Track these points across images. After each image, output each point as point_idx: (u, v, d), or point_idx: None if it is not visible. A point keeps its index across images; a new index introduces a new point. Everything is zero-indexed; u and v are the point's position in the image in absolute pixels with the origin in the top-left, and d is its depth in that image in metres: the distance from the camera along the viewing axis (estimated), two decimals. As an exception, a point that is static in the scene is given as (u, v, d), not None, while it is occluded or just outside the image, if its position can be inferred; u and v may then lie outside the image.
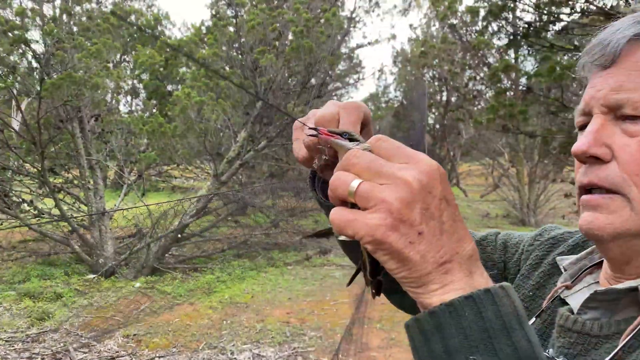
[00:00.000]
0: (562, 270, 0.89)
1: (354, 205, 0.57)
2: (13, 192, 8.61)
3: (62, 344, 5.66)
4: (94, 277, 8.14)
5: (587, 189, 0.76)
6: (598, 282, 0.84)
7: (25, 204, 8.60)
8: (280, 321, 6.42)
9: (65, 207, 8.84)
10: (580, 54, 0.82)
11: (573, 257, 0.90)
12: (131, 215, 9.85)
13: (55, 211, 8.56)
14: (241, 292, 7.58)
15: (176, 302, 7.10)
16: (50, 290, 7.32)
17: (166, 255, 9.17)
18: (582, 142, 0.73)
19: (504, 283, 0.56)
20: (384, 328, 6.09)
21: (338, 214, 0.57)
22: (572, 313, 0.80)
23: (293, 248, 10.20)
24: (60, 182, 9.34)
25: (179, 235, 9.12)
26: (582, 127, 0.80)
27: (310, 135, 0.72)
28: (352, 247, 1.07)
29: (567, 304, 0.83)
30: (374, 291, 0.69)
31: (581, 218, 0.76)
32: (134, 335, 5.94)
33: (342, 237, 0.75)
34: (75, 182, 9.54)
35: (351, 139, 0.68)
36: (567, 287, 0.85)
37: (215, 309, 6.87)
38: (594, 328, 0.76)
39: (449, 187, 0.58)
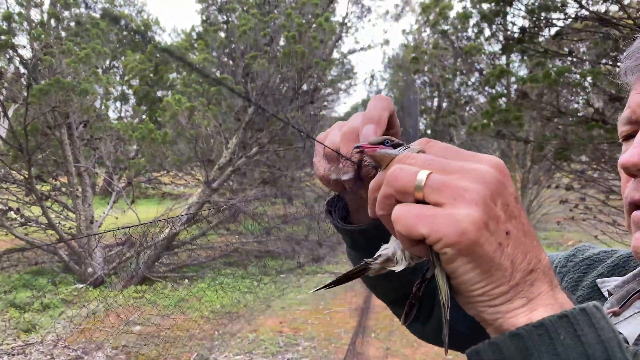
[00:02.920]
0: (606, 294, 0.79)
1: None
2: (-1, 200, 8.43)
3: (48, 357, 5.50)
4: (82, 287, 7.97)
5: (635, 204, 0.67)
6: None
7: (12, 212, 8.42)
8: (273, 331, 6.30)
9: (52, 215, 8.67)
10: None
11: (618, 280, 0.80)
12: (120, 223, 9.69)
13: (43, 219, 8.40)
14: (233, 302, 7.45)
15: (167, 312, 6.96)
16: (37, 301, 7.15)
17: (156, 263, 9.02)
18: (632, 154, 0.65)
19: (596, 303, 0.46)
20: (379, 337, 5.99)
21: (406, 209, 0.46)
22: (627, 344, 0.70)
23: (286, 256, 10.09)
24: (47, 190, 9.17)
25: (170, 244, 8.98)
26: (627, 137, 0.72)
27: (357, 152, 0.63)
28: (382, 281, 0.97)
29: None
30: (447, 337, 0.53)
31: (635, 239, 0.67)
32: (123, 346, 5.80)
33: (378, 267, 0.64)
34: (63, 189, 9.37)
35: (395, 146, 0.59)
36: (615, 314, 0.75)
37: (206, 318, 6.74)
38: None
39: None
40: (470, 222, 0.43)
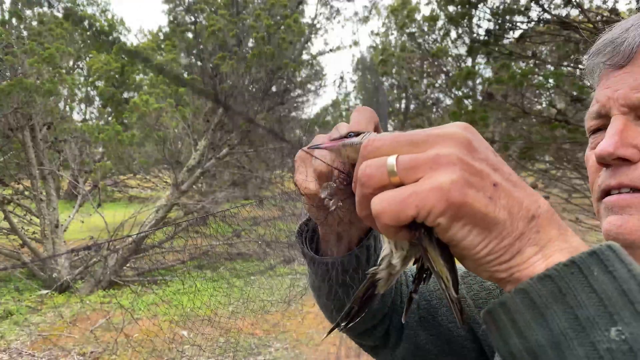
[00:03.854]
0: None
1: None
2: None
3: (12, 365, 5.35)
4: (47, 293, 7.77)
5: (608, 191, 0.71)
6: None
7: (-28, 217, 8.15)
8: (244, 333, 6.27)
9: (15, 220, 8.42)
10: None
11: None
12: (86, 227, 9.49)
13: (5, 224, 8.15)
14: (203, 305, 7.37)
15: (135, 317, 6.84)
16: (0, 308, 6.93)
17: (124, 267, 8.86)
18: (607, 144, 0.68)
19: (613, 243, 0.45)
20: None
21: (386, 198, 0.45)
22: None
23: (256, 258, 10.03)
24: (9, 194, 8.90)
25: (138, 247, 8.83)
26: (596, 131, 0.76)
27: (309, 149, 0.61)
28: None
29: None
30: (460, 314, 0.51)
31: (607, 222, 0.70)
32: (91, 352, 5.68)
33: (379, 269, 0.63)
34: (27, 193, 9.11)
35: (358, 134, 0.58)
36: None
37: (176, 322, 6.65)
38: None
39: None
40: (452, 184, 0.42)
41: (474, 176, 0.43)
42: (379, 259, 0.64)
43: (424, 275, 0.63)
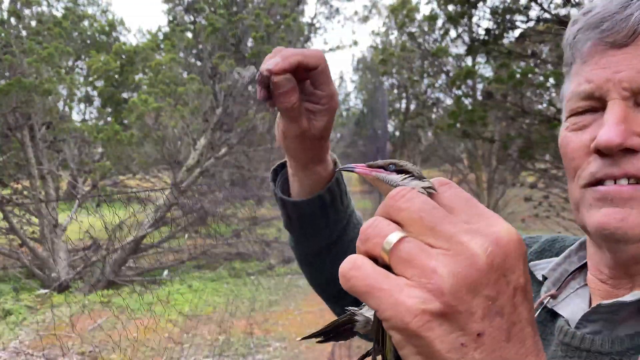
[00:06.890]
0: (540, 278, 0.79)
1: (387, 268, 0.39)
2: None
3: (11, 365, 5.34)
4: (46, 293, 7.75)
5: (601, 180, 0.65)
6: (585, 285, 0.75)
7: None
8: (243, 333, 6.26)
9: (14, 220, 8.41)
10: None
11: (550, 263, 0.80)
12: (85, 226, 9.48)
13: (4, 224, 8.14)
14: (202, 304, 7.36)
15: (135, 316, 6.82)
16: (-2, 308, 6.93)
17: (123, 267, 8.85)
18: (614, 134, 0.62)
19: None
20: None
21: (363, 272, 0.39)
22: (569, 325, 0.71)
23: (255, 257, 10.02)
24: (8, 194, 8.89)
25: (137, 247, 8.82)
26: (579, 113, 0.69)
27: (344, 170, 0.60)
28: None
29: (556, 314, 0.74)
30: None
31: (602, 214, 0.64)
32: (90, 352, 5.67)
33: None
34: (26, 193, 9.11)
35: (400, 171, 0.49)
36: (553, 296, 0.75)
37: (175, 322, 6.63)
38: (604, 345, 0.65)
39: (528, 273, 0.40)
40: (421, 313, 0.36)
41: (457, 315, 0.37)
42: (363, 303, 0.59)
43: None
